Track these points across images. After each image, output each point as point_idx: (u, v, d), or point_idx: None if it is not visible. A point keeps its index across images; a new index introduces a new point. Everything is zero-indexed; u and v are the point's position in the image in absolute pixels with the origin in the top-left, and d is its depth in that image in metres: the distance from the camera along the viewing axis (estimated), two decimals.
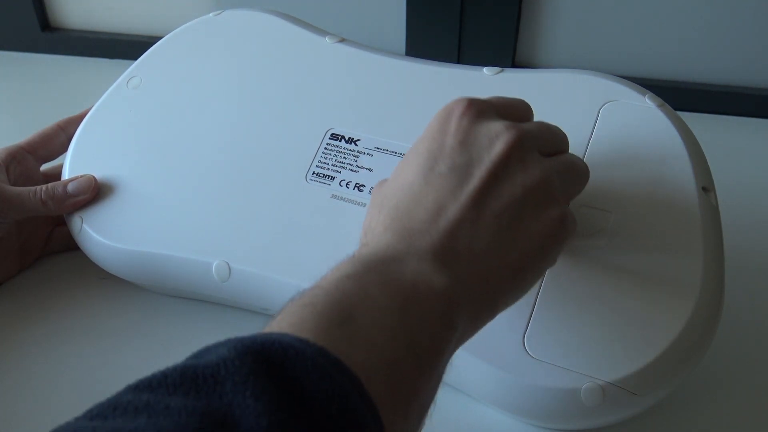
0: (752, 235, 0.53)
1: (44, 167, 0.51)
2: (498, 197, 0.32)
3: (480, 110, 0.34)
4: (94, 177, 0.46)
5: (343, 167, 0.44)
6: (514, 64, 0.70)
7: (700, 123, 0.63)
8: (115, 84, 0.51)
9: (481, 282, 0.30)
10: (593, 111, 0.43)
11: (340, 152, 0.45)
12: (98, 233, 0.45)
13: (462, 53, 0.69)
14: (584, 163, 0.37)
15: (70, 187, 0.46)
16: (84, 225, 0.46)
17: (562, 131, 0.37)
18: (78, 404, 0.41)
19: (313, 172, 0.44)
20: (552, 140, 0.36)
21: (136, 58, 0.51)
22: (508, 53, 0.69)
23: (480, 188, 0.31)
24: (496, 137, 0.33)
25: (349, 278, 0.28)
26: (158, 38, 0.52)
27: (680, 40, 0.66)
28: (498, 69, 0.46)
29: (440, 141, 0.33)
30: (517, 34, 0.69)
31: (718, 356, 0.42)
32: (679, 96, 0.67)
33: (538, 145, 0.34)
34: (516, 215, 0.32)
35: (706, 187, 0.40)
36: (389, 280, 0.28)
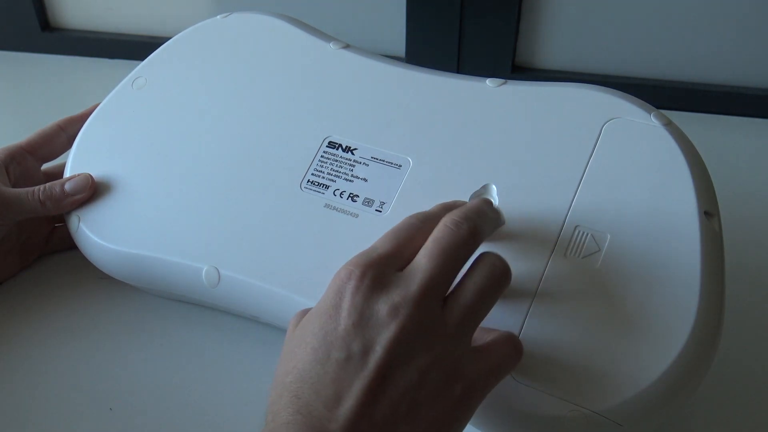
0: (752, 236, 0.53)
1: (45, 166, 0.52)
2: (395, 385, 0.30)
3: (374, 279, 0.32)
4: (90, 175, 0.47)
5: (339, 176, 0.44)
6: (514, 66, 0.70)
7: (700, 123, 0.61)
8: (121, 84, 0.51)
9: None
10: (596, 128, 0.42)
11: (336, 161, 0.44)
12: (94, 233, 0.46)
13: (462, 55, 0.69)
14: (502, 262, 0.34)
15: (67, 187, 0.46)
16: (81, 224, 0.46)
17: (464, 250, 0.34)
18: (78, 404, 0.42)
19: (308, 180, 0.44)
20: (455, 267, 0.33)
21: (136, 59, 0.52)
22: (508, 56, 0.68)
23: (375, 378, 0.30)
24: (392, 316, 0.31)
25: None
26: (158, 38, 0.53)
27: (680, 40, 0.66)
28: (501, 81, 0.45)
29: (335, 321, 0.31)
30: (517, 37, 0.68)
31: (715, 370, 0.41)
32: (679, 96, 0.67)
33: (442, 291, 0.32)
34: (413, 403, 0.30)
35: (709, 212, 0.39)
36: None
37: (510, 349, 0.34)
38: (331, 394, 0.30)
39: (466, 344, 0.33)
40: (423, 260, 0.33)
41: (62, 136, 0.51)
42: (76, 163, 0.48)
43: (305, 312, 0.34)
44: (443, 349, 0.31)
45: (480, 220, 0.35)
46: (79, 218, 0.46)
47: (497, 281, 0.34)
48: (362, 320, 0.31)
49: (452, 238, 0.33)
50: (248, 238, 0.43)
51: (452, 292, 0.33)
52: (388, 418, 0.30)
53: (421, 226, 0.35)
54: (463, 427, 0.32)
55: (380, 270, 0.32)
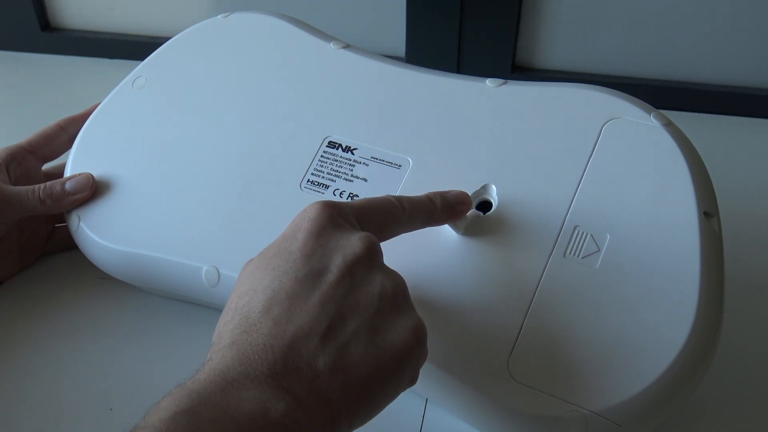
0: (752, 236, 0.53)
1: (46, 166, 0.52)
2: (351, 304, 0.31)
3: (335, 216, 0.33)
4: (91, 175, 0.47)
5: (338, 176, 0.44)
6: (514, 66, 0.70)
7: (700, 123, 0.61)
8: (121, 84, 0.51)
9: (323, 402, 0.29)
10: (595, 128, 0.42)
11: (336, 160, 0.44)
12: (94, 232, 0.46)
13: (462, 55, 0.69)
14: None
15: (68, 186, 0.46)
16: (81, 224, 0.46)
17: None
18: (78, 404, 0.42)
19: (308, 180, 0.44)
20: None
21: (136, 58, 0.52)
22: (508, 56, 0.68)
23: (332, 292, 0.30)
24: (352, 242, 0.32)
25: (182, 414, 0.27)
26: (158, 38, 0.53)
27: (680, 40, 0.66)
28: (501, 81, 0.45)
29: (296, 243, 0.32)
30: (517, 37, 0.68)
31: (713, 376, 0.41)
32: (679, 96, 0.67)
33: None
34: (370, 325, 0.30)
35: (709, 212, 0.39)
36: (223, 416, 0.27)
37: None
38: (283, 310, 0.30)
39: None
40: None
41: (63, 136, 0.51)
42: (76, 162, 0.48)
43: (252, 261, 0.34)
44: (402, 280, 0.33)
45: (415, 207, 0.37)
46: (80, 218, 0.46)
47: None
48: (323, 243, 0.32)
49: (387, 202, 0.36)
50: (248, 237, 0.43)
51: None
52: (341, 335, 0.30)
53: (394, 201, 0.36)
54: (411, 373, 0.32)
55: (341, 209, 0.33)
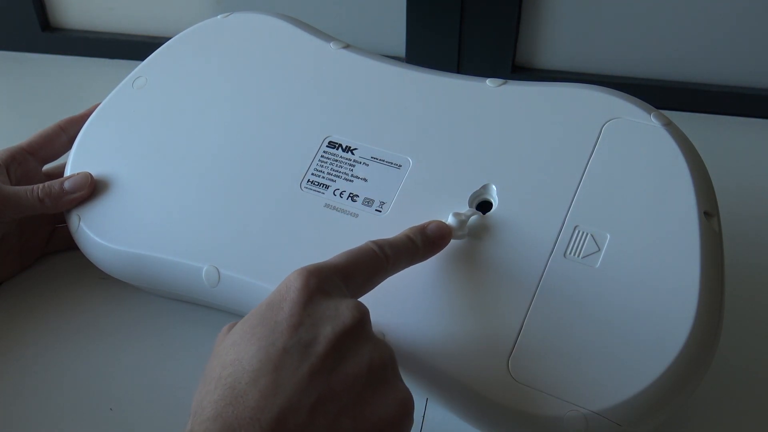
0: (752, 235, 0.53)
1: (46, 167, 0.52)
2: (340, 377, 0.30)
3: (321, 283, 0.32)
4: (90, 174, 0.47)
5: (338, 176, 0.44)
6: (514, 66, 0.70)
7: (700, 123, 0.61)
8: (121, 84, 0.51)
9: None
10: (596, 128, 0.42)
11: (336, 161, 0.44)
12: (94, 232, 0.46)
13: (462, 55, 0.69)
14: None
15: (66, 185, 0.46)
16: (81, 224, 0.46)
17: None
18: (78, 404, 0.42)
19: (308, 180, 0.44)
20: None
21: (136, 58, 0.52)
22: (508, 56, 0.68)
23: (321, 365, 0.30)
24: (340, 312, 0.31)
25: None
26: (158, 38, 0.53)
27: (680, 40, 0.66)
28: (501, 81, 0.45)
29: (281, 315, 0.31)
30: (517, 37, 0.68)
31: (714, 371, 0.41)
32: (679, 96, 0.67)
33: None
34: (359, 398, 0.30)
35: (709, 212, 0.39)
36: None
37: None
38: (270, 382, 0.29)
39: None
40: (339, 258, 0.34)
41: (63, 136, 0.51)
42: (76, 163, 0.48)
43: (233, 324, 0.34)
44: (390, 351, 0.32)
45: (397, 252, 0.36)
46: (80, 218, 0.46)
47: None
48: (309, 314, 0.31)
49: (369, 254, 0.35)
50: (248, 237, 0.43)
51: None
52: (330, 409, 0.29)
53: (376, 250, 0.35)
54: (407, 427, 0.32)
55: (326, 276, 0.33)
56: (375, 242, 0.36)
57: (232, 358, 0.31)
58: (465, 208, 0.41)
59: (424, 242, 0.38)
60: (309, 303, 0.31)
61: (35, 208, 0.46)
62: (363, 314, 0.32)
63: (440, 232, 0.39)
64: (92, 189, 0.46)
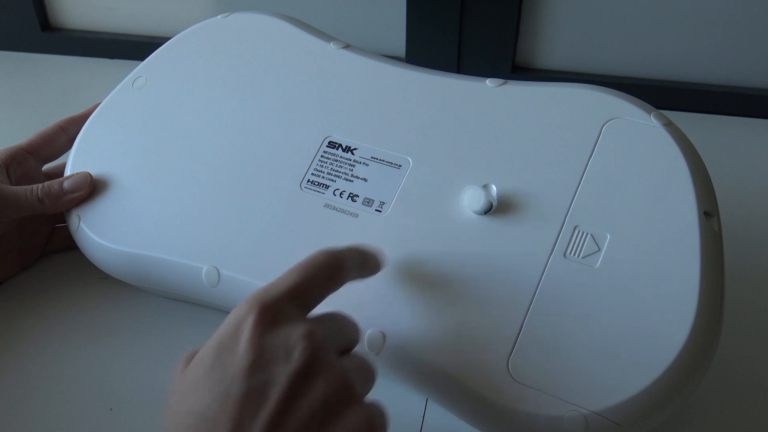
0: (752, 236, 0.53)
1: (46, 167, 0.52)
2: (298, 418, 0.29)
3: (273, 316, 0.31)
4: (89, 173, 0.47)
5: (338, 176, 0.44)
6: (514, 66, 0.70)
7: (700, 123, 0.61)
8: (121, 84, 0.51)
9: None
10: (595, 128, 0.42)
11: (336, 161, 0.44)
12: (94, 232, 0.46)
13: (462, 55, 0.69)
14: (371, 361, 0.34)
15: (66, 184, 0.46)
16: (81, 224, 0.46)
17: (351, 319, 0.34)
18: (78, 404, 0.42)
19: (308, 180, 0.44)
20: (345, 332, 0.34)
21: (136, 58, 0.52)
22: (508, 56, 0.68)
23: (278, 412, 0.29)
24: (292, 349, 0.30)
25: None
26: (158, 38, 0.53)
27: (680, 40, 0.66)
28: (501, 81, 0.45)
29: (233, 357, 0.30)
30: (517, 37, 0.68)
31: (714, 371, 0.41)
32: (679, 96, 0.67)
33: (335, 343, 0.32)
34: None
35: (709, 212, 0.39)
36: None
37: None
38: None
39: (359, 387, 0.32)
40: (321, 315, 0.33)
41: (63, 136, 0.51)
42: (76, 162, 0.48)
43: (191, 356, 0.33)
44: (344, 378, 0.31)
45: (348, 259, 0.35)
46: (80, 218, 0.46)
47: (374, 369, 0.34)
48: (263, 357, 0.30)
49: (317, 260, 0.34)
50: (248, 237, 0.43)
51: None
52: None
53: (325, 260, 0.34)
54: None
55: (278, 307, 0.32)
56: (324, 251, 0.35)
57: (188, 407, 0.30)
58: (465, 208, 0.41)
59: (364, 256, 0.37)
60: (260, 343, 0.30)
61: (34, 208, 0.46)
62: (314, 346, 0.31)
63: (372, 253, 0.38)
64: (92, 189, 0.46)
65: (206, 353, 0.31)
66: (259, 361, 0.30)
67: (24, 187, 0.46)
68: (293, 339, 0.31)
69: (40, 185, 0.46)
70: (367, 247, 0.37)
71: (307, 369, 0.30)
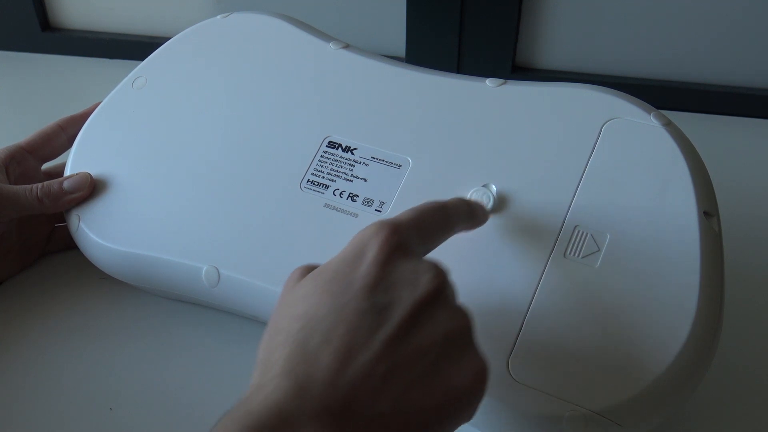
0: (752, 236, 0.53)
1: (45, 166, 0.52)
2: (416, 344, 0.29)
3: (400, 241, 0.31)
4: (89, 174, 0.47)
5: (338, 176, 0.44)
6: (514, 66, 0.70)
7: (700, 123, 0.61)
8: (121, 84, 0.51)
9: None
10: (595, 128, 0.42)
11: (336, 161, 0.44)
12: (94, 232, 0.46)
13: (462, 55, 0.69)
14: None
15: (65, 184, 0.46)
16: (81, 224, 0.46)
17: None
18: (78, 404, 0.42)
19: (308, 180, 0.44)
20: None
21: (136, 58, 0.52)
22: (508, 56, 0.68)
23: (398, 333, 0.29)
24: (420, 276, 0.30)
25: None
26: (158, 38, 0.53)
27: (680, 40, 0.66)
28: (500, 81, 0.45)
29: (358, 271, 0.30)
30: (517, 37, 0.68)
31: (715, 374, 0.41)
32: (679, 96, 0.67)
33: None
34: (434, 368, 0.29)
35: (709, 212, 0.39)
36: None
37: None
38: (344, 345, 0.28)
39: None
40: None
41: (62, 136, 0.51)
42: (76, 162, 0.48)
43: (307, 268, 0.32)
44: (468, 318, 0.31)
45: (455, 208, 0.36)
46: (79, 218, 0.46)
47: None
48: (387, 277, 0.30)
49: (428, 207, 0.34)
50: (248, 237, 0.43)
51: None
52: (404, 377, 0.28)
53: (436, 207, 0.34)
54: (472, 412, 0.30)
55: (407, 234, 0.31)
56: (432, 202, 0.35)
57: (301, 311, 0.30)
58: None
59: (471, 207, 0.37)
60: (387, 263, 0.30)
61: (34, 208, 0.46)
62: (442, 280, 0.30)
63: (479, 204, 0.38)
64: (92, 189, 0.46)
65: (328, 267, 0.31)
66: (384, 282, 0.30)
67: (23, 186, 0.46)
68: (421, 268, 0.30)
69: (39, 185, 0.46)
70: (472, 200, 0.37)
71: (433, 299, 0.30)
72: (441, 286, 0.30)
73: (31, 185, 0.46)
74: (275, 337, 0.30)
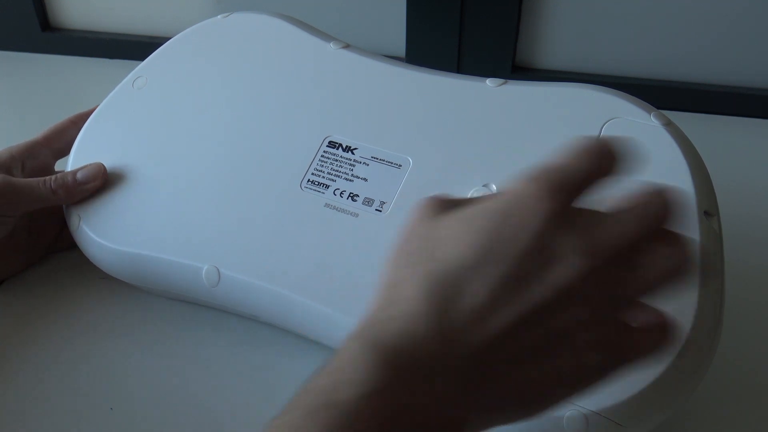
0: (752, 236, 0.53)
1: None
2: (549, 327, 0.28)
3: (563, 210, 0.28)
4: (102, 164, 0.47)
5: (339, 176, 0.44)
6: (514, 66, 0.70)
7: (700, 123, 0.61)
8: (121, 84, 0.51)
9: (496, 410, 0.28)
10: (595, 128, 0.42)
11: (336, 160, 0.44)
12: (94, 232, 0.46)
13: (462, 55, 0.69)
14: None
15: (79, 175, 0.46)
16: (81, 223, 0.46)
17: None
18: (78, 404, 0.42)
19: (308, 180, 0.44)
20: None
21: (136, 58, 0.52)
22: (508, 56, 0.69)
23: (533, 310, 0.27)
24: (575, 256, 0.28)
25: (375, 396, 0.25)
26: (158, 38, 0.53)
27: (680, 40, 0.66)
28: (501, 81, 0.45)
29: (512, 232, 0.28)
30: (517, 37, 0.68)
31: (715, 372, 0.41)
32: (679, 96, 0.67)
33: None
34: (567, 348, 0.28)
35: (709, 212, 0.39)
36: (414, 409, 0.26)
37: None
38: (479, 304, 0.27)
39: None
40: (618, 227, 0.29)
41: (74, 131, 0.50)
42: (76, 162, 0.48)
43: (443, 202, 0.31)
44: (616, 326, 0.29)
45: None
46: (80, 217, 0.46)
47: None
48: (542, 248, 0.28)
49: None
50: (248, 237, 0.43)
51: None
52: (532, 351, 0.28)
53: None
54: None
55: (569, 199, 0.29)
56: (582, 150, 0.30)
57: (442, 254, 0.28)
58: None
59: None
60: (547, 234, 0.28)
61: (48, 200, 0.46)
62: (595, 264, 0.28)
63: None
64: (104, 180, 0.46)
65: (479, 213, 0.29)
66: (540, 253, 0.28)
67: (37, 179, 0.46)
68: (578, 244, 0.28)
69: (53, 177, 0.46)
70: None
71: (583, 283, 0.28)
72: (593, 264, 0.28)
73: (44, 177, 0.46)
74: (405, 258, 0.29)
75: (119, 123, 0.49)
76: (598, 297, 0.28)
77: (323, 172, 0.44)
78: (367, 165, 0.44)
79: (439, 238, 0.29)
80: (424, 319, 0.27)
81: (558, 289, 0.28)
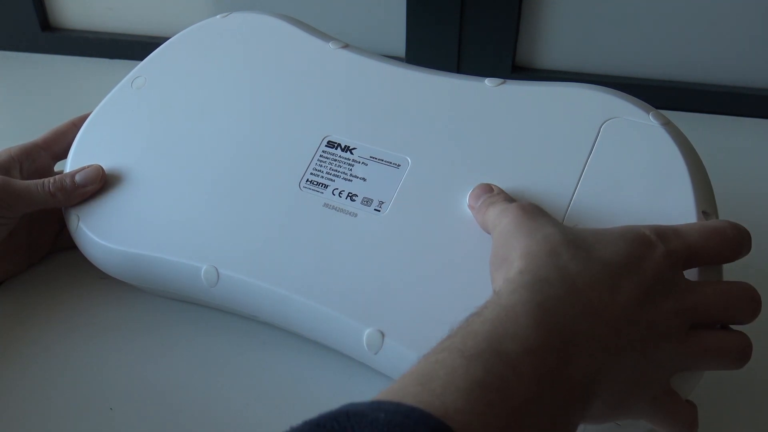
0: (752, 236, 0.52)
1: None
2: (650, 359, 0.32)
3: (674, 262, 0.33)
4: (101, 167, 0.47)
5: (337, 176, 0.44)
6: (514, 66, 0.70)
7: (700, 123, 0.61)
8: (120, 83, 0.51)
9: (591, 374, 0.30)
10: (594, 127, 0.42)
11: (335, 160, 0.44)
12: (93, 232, 0.46)
13: (462, 55, 0.69)
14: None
15: (78, 178, 0.46)
16: (80, 224, 0.46)
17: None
18: (78, 404, 0.42)
19: (307, 180, 0.44)
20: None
21: (135, 58, 0.52)
22: (508, 56, 0.69)
23: (642, 348, 0.32)
24: (678, 312, 0.33)
25: (534, 355, 0.29)
26: (158, 38, 0.53)
27: (680, 40, 0.66)
28: (499, 81, 0.45)
29: (637, 276, 0.32)
30: (517, 37, 0.68)
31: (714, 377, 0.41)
32: (679, 96, 0.67)
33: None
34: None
35: (707, 212, 0.39)
36: (564, 376, 0.29)
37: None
38: (634, 298, 0.31)
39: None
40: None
41: (75, 134, 0.50)
42: (75, 162, 0.48)
43: (532, 209, 0.36)
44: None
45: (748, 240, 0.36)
46: (79, 218, 0.46)
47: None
48: (658, 289, 0.32)
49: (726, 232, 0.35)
50: (247, 237, 0.43)
51: None
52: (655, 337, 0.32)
53: (734, 236, 0.35)
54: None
55: (676, 263, 0.33)
56: (735, 225, 0.35)
57: (601, 250, 0.33)
58: (465, 207, 0.41)
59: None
60: (661, 278, 0.32)
61: (47, 202, 0.46)
62: (694, 316, 0.33)
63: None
64: (103, 182, 0.46)
65: (595, 244, 0.33)
66: (653, 295, 0.32)
67: (35, 181, 0.46)
68: (674, 307, 0.32)
69: (51, 179, 0.46)
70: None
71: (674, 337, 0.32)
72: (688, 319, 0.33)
73: (43, 180, 0.46)
74: (567, 249, 0.33)
75: (118, 123, 0.49)
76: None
77: (322, 171, 0.44)
78: (366, 165, 0.44)
79: (585, 237, 0.33)
80: (587, 298, 0.31)
81: (670, 321, 0.32)
